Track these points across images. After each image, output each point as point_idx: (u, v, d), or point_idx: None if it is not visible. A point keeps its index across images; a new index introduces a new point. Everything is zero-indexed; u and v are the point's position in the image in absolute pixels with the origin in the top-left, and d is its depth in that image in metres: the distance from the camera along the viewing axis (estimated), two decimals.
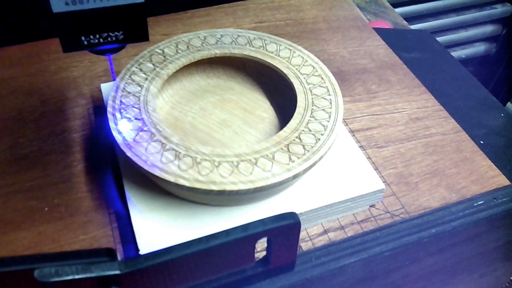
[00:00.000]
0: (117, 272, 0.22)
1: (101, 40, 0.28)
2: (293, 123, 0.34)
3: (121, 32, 0.29)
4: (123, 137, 0.32)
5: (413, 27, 0.84)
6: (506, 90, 1.12)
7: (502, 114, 0.49)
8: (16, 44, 0.47)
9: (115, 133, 0.32)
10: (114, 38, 0.29)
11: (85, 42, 0.28)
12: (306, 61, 0.39)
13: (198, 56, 0.39)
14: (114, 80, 0.35)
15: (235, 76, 0.42)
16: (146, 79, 0.36)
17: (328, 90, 0.37)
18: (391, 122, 0.42)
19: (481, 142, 0.44)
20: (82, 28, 0.27)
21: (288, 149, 0.32)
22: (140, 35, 0.29)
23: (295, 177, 0.31)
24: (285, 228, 0.26)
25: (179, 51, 0.39)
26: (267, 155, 0.32)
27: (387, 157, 0.39)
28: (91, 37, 0.28)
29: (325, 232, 0.34)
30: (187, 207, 0.32)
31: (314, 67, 0.39)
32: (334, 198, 0.33)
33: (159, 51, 0.39)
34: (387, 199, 0.36)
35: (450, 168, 0.39)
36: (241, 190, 0.30)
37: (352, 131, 0.41)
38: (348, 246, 0.33)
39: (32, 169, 0.36)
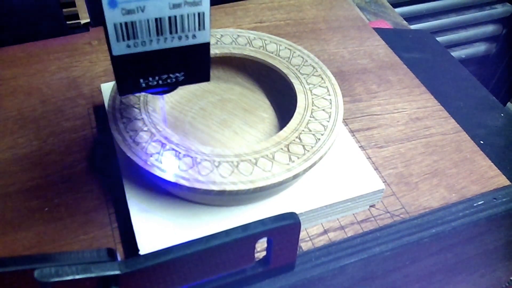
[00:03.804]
0: (117, 272, 0.22)
1: (160, 82, 0.26)
2: (293, 123, 0.34)
3: (182, 73, 0.26)
4: (123, 137, 0.32)
5: (413, 27, 0.84)
6: (506, 90, 1.12)
7: (502, 114, 0.49)
8: (16, 44, 0.47)
9: (115, 133, 0.32)
10: (174, 80, 0.26)
11: (143, 85, 0.26)
12: (306, 61, 0.39)
13: None
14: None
15: (235, 76, 0.42)
16: None
17: (328, 90, 0.37)
18: (391, 122, 0.42)
19: (481, 142, 0.44)
20: (141, 70, 0.25)
21: (288, 149, 0.32)
22: (201, 76, 0.27)
23: (295, 177, 0.31)
24: (285, 228, 0.26)
25: None
26: (267, 155, 0.32)
27: (387, 157, 0.39)
28: (150, 79, 0.26)
29: (325, 232, 0.34)
30: (187, 207, 0.32)
31: (314, 67, 0.39)
32: (334, 198, 0.33)
33: None
34: (387, 199, 0.36)
35: (450, 168, 0.39)
36: (241, 190, 0.30)
37: (352, 131, 0.41)
38: (348, 246, 0.33)
39: (32, 169, 0.36)
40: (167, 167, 0.30)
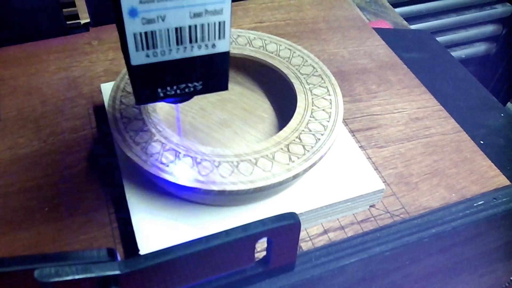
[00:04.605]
0: (117, 272, 0.22)
1: (178, 91, 0.26)
2: (293, 123, 0.34)
3: (200, 82, 0.26)
4: (123, 137, 0.32)
5: (413, 27, 0.84)
6: (506, 90, 1.12)
7: (502, 114, 0.49)
8: (16, 44, 0.47)
9: (115, 133, 0.32)
10: (192, 89, 0.26)
11: (161, 94, 0.25)
12: (306, 61, 0.39)
13: None
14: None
15: (235, 76, 0.42)
16: None
17: (328, 90, 0.37)
18: (391, 122, 0.42)
19: (481, 142, 0.44)
20: (160, 80, 0.25)
21: (288, 149, 0.32)
22: (219, 85, 0.27)
23: (295, 177, 0.31)
24: (285, 228, 0.26)
25: None
26: (267, 155, 0.32)
27: (387, 157, 0.39)
28: (168, 88, 0.25)
29: (325, 232, 0.34)
30: (187, 207, 0.32)
31: (314, 67, 0.39)
32: (334, 198, 0.33)
33: None
34: (387, 199, 0.36)
35: (450, 168, 0.39)
36: (241, 190, 0.30)
37: (352, 131, 0.41)
38: (348, 246, 0.33)
39: (32, 169, 0.36)
40: (167, 167, 0.30)
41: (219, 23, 0.24)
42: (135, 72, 0.24)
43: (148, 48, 0.23)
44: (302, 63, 0.39)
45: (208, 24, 0.24)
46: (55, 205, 0.34)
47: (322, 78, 0.38)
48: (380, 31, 0.54)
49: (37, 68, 0.45)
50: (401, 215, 0.35)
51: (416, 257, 0.35)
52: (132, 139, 0.32)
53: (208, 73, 0.26)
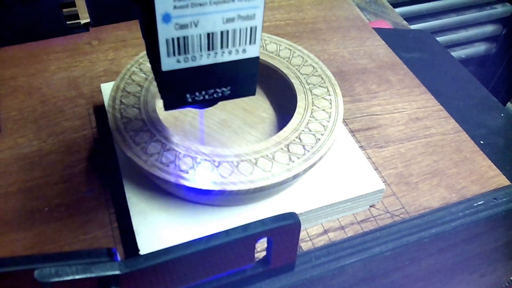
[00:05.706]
0: (117, 272, 0.22)
1: (206, 96, 0.26)
2: (293, 123, 0.34)
3: (229, 87, 0.26)
4: (123, 137, 0.32)
5: (413, 27, 0.84)
6: (506, 90, 1.12)
7: (502, 114, 0.49)
8: (16, 44, 0.47)
9: (115, 133, 0.32)
10: (220, 94, 0.26)
11: (189, 99, 0.25)
12: (306, 61, 0.39)
13: None
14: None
15: None
16: (146, 79, 0.36)
17: (328, 90, 0.37)
18: (391, 122, 0.42)
19: (481, 142, 0.44)
20: (189, 85, 0.25)
21: (288, 149, 0.32)
22: (248, 90, 0.27)
23: (295, 177, 0.31)
24: (285, 228, 0.26)
25: None
26: (267, 155, 0.32)
27: (387, 157, 0.39)
28: (197, 94, 0.25)
29: (325, 232, 0.34)
30: (187, 207, 0.32)
31: (314, 67, 0.39)
32: (334, 198, 0.33)
33: None
34: (387, 199, 0.36)
35: (450, 168, 0.39)
36: (241, 190, 0.30)
37: (352, 131, 0.41)
38: (348, 246, 0.33)
39: (32, 169, 0.36)
40: (167, 167, 0.30)
41: (251, 28, 0.24)
42: (165, 77, 0.24)
43: (179, 53, 0.23)
44: (302, 63, 0.39)
45: (240, 30, 0.24)
46: (55, 205, 0.34)
47: (322, 78, 0.38)
48: (380, 31, 0.54)
49: (37, 68, 0.45)
50: (401, 215, 0.35)
51: (416, 257, 0.35)
52: (132, 139, 0.32)
53: (237, 78, 0.26)
